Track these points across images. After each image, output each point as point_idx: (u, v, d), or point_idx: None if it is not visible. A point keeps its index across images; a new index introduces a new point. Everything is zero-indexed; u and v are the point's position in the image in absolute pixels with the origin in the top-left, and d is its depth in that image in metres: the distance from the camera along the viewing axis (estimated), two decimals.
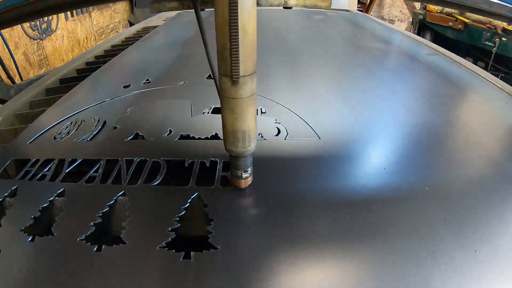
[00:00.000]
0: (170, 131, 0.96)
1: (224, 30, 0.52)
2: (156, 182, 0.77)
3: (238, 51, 0.52)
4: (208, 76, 1.36)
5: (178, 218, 0.66)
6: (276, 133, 0.96)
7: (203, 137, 0.92)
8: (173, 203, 0.70)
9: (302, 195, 0.74)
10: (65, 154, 0.95)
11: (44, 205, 0.78)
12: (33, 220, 0.76)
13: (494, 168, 0.88)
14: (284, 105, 1.10)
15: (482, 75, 1.57)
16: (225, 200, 0.71)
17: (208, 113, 1.05)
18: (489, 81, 1.49)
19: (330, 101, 1.17)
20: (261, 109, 1.09)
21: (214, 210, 0.68)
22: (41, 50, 3.65)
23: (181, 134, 0.94)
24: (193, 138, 0.92)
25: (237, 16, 0.50)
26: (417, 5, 5.57)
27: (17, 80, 2.92)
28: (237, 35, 0.51)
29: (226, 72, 0.56)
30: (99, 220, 0.71)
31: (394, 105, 1.18)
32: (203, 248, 0.60)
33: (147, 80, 1.39)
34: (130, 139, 0.95)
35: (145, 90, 1.30)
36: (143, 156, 0.85)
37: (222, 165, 0.80)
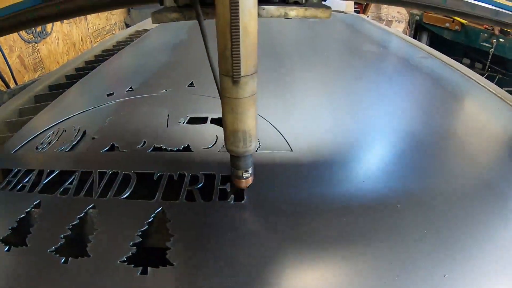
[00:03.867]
0: (144, 142, 0.98)
1: (225, 30, 0.53)
2: (125, 196, 0.80)
3: (239, 51, 0.53)
4: (189, 84, 1.38)
5: (140, 233, 0.68)
6: None
7: (175, 148, 0.94)
8: (137, 217, 0.72)
9: (267, 214, 0.74)
10: (44, 164, 0.98)
11: (22, 216, 0.82)
12: (10, 230, 0.79)
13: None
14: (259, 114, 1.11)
15: (474, 78, 1.54)
16: (187, 215, 0.73)
17: (183, 123, 1.07)
18: (482, 85, 1.46)
19: (309, 110, 1.18)
20: None
21: (175, 226, 0.70)
22: (36, 54, 3.68)
23: (154, 146, 0.96)
24: (165, 149, 0.95)
25: (238, 16, 0.51)
26: None
27: (11, 84, 2.95)
28: (239, 36, 0.52)
29: (227, 72, 0.57)
30: (69, 233, 0.74)
31: (378, 113, 1.16)
32: (160, 264, 0.62)
33: (131, 88, 1.41)
34: (106, 150, 0.98)
35: (127, 98, 1.32)
36: (116, 168, 0.88)
37: (189, 178, 0.82)
